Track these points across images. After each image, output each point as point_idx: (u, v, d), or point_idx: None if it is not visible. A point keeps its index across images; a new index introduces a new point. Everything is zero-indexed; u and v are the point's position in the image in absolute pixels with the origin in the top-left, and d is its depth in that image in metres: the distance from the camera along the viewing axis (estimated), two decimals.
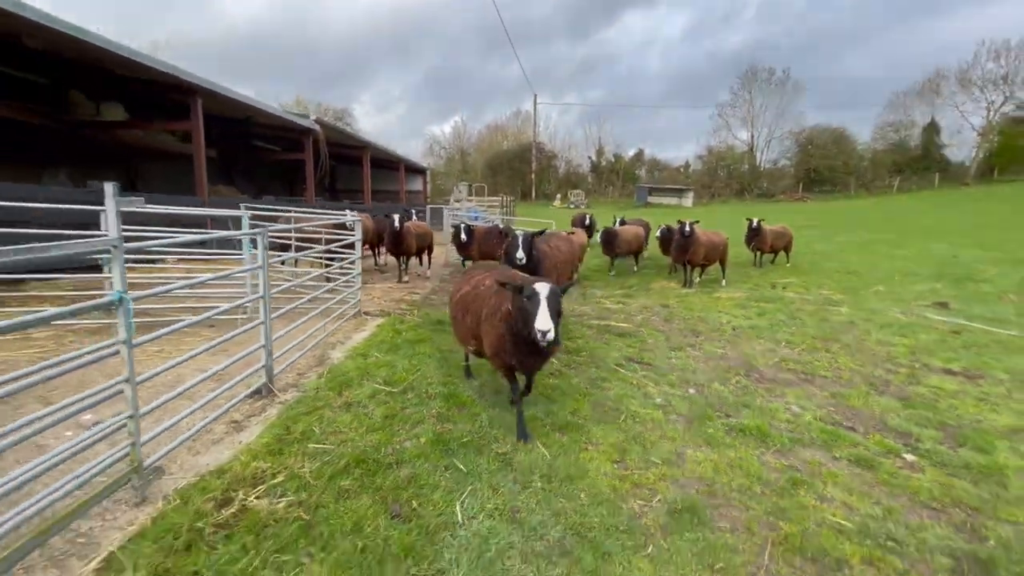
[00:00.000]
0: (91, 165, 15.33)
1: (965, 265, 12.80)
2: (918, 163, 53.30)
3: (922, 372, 5.49)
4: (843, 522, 2.89)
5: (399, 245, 10.24)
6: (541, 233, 7.14)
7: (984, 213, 27.96)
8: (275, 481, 2.94)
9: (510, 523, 2.77)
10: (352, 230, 7.69)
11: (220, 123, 17.25)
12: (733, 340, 6.66)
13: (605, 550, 2.58)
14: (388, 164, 29.93)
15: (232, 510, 2.64)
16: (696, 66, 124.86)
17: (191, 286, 4.57)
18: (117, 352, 2.58)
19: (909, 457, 3.69)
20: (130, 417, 2.70)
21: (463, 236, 10.63)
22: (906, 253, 15.38)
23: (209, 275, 3.68)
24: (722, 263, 11.02)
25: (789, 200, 50.38)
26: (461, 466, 3.28)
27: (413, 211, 18.11)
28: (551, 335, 3.02)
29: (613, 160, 65.09)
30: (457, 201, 27.40)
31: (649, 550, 2.61)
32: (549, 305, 3.09)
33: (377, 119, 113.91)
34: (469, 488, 3.05)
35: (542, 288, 3.14)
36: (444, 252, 14.66)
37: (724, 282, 10.84)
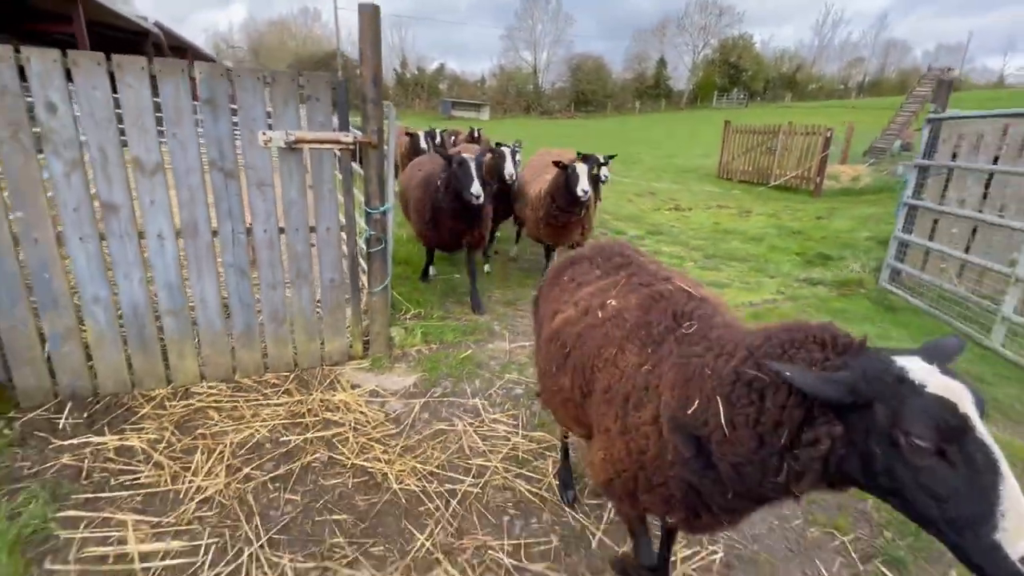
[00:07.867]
0: None
1: (636, 157, 22.54)
2: (652, 90, 69.22)
3: None
4: None
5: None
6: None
7: (677, 128, 41.25)
8: None
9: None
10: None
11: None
12: None
13: None
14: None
15: None
16: None
17: None
18: None
19: None
20: None
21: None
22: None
23: None
24: None
25: (564, 118, 61.56)
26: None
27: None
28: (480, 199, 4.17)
29: (417, 73, 68.29)
30: None
31: None
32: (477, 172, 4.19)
33: None
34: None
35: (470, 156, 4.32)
36: None
37: None
